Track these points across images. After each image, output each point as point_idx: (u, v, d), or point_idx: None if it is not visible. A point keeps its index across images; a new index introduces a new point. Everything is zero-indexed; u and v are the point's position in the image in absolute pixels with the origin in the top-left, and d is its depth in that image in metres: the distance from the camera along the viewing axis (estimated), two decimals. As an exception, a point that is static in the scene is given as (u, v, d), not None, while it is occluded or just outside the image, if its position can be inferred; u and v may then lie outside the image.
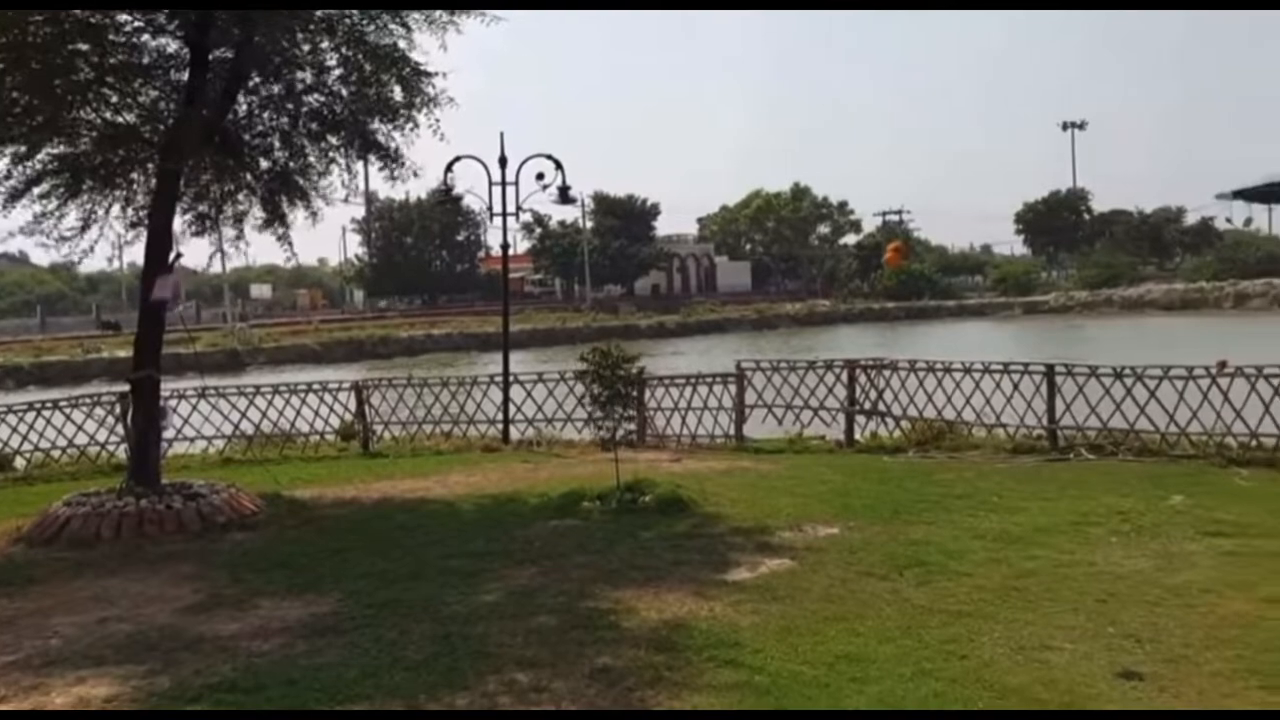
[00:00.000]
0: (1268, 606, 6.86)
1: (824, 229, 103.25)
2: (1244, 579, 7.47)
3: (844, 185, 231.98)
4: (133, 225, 12.79)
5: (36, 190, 12.05)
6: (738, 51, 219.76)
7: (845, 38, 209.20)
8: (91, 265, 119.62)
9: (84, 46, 11.03)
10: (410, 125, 12.42)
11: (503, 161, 17.23)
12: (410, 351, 52.23)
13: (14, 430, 16.13)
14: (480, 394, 17.25)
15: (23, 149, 11.68)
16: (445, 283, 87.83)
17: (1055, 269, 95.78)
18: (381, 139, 12.65)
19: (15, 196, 11.96)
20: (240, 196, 13.26)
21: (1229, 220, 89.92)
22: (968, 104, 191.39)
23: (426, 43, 12.03)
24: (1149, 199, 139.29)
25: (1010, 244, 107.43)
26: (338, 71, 12.37)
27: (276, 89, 12.57)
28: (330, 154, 12.83)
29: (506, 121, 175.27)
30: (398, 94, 12.28)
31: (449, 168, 16.82)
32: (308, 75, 12.39)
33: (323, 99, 12.49)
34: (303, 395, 17.01)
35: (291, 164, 12.92)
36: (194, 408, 16.73)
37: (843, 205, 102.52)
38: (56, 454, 16.09)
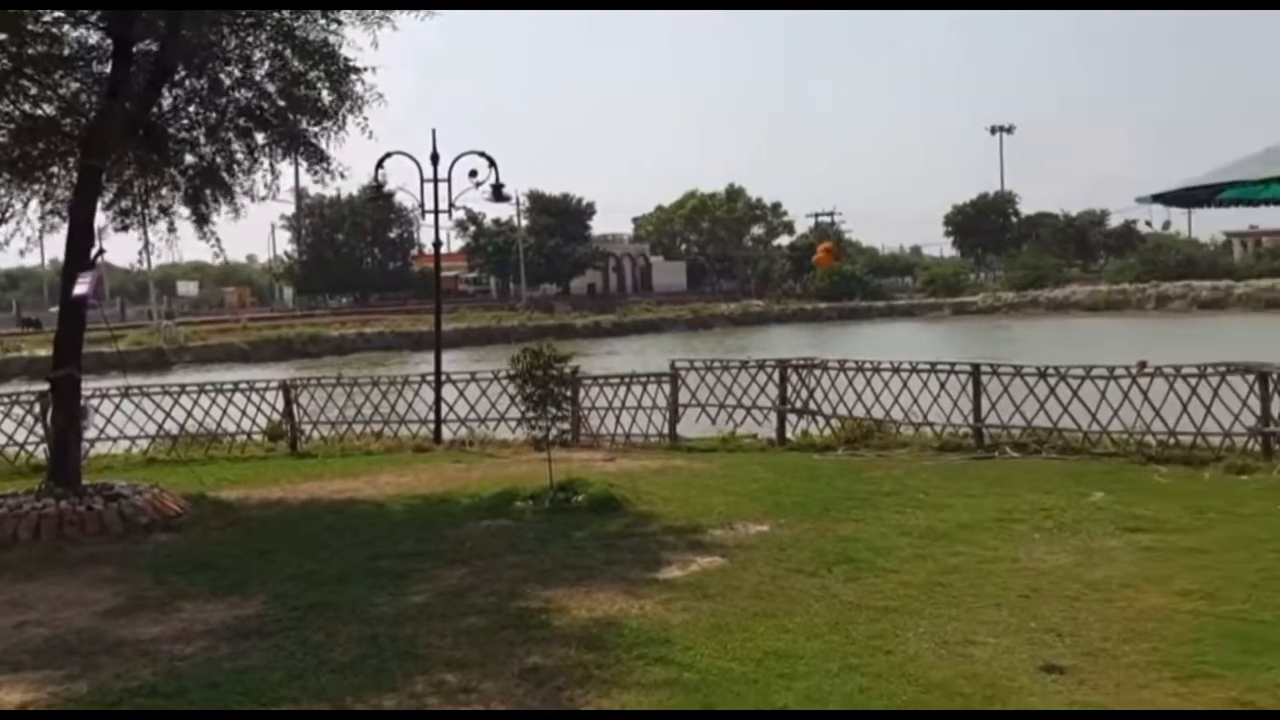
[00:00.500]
0: (1182, 600, 7.05)
1: (758, 230, 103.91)
2: (1160, 574, 7.67)
3: (777, 187, 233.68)
4: (50, 217, 12.50)
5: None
6: (673, 52, 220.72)
7: (776, 40, 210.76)
8: (11, 261, 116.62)
9: (1, 37, 10.75)
10: (338, 127, 12.28)
11: (435, 158, 17.12)
12: (341, 350, 51.70)
13: (-72, 431, 15.66)
14: (412, 393, 17.11)
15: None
16: (377, 281, 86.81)
17: (983, 270, 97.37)
18: (309, 138, 12.49)
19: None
20: (164, 192, 13.00)
21: (1149, 224, 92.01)
22: (899, 107, 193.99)
23: (359, 39, 11.92)
24: (1075, 202, 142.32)
25: (939, 246, 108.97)
26: (265, 67, 12.19)
27: (203, 83, 12.37)
28: (256, 152, 12.64)
29: (441, 120, 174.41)
30: (326, 95, 12.14)
31: (380, 164, 16.66)
32: (235, 70, 12.20)
33: (250, 95, 12.30)
34: (229, 394, 16.73)
35: (218, 160, 12.71)
36: (117, 407, 16.38)
37: (776, 206, 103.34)
38: (-28, 455, 15.65)
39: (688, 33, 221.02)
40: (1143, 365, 13.18)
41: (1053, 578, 7.67)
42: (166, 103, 12.31)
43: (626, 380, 16.37)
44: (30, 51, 11.04)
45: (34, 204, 12.43)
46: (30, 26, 10.94)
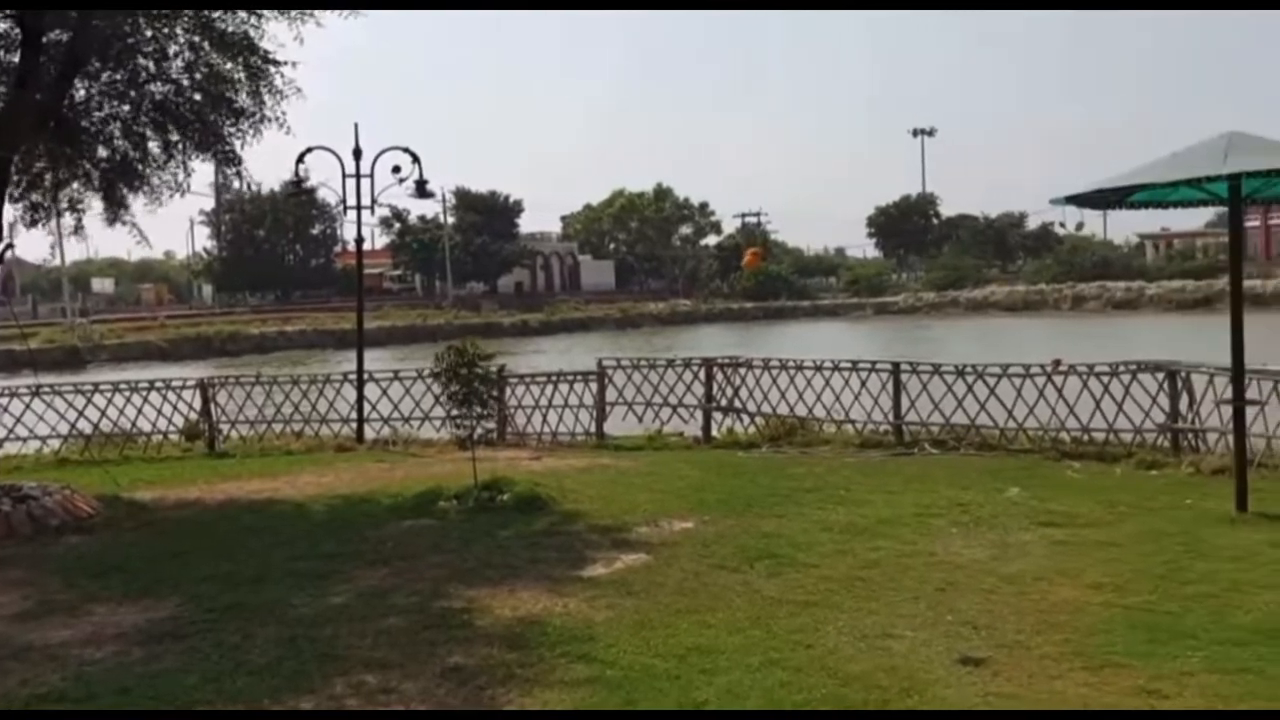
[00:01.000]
0: (1093, 592, 7.23)
1: (686, 230, 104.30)
2: (1072, 567, 7.85)
3: (705, 187, 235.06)
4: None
5: None
6: (602, 52, 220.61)
7: (708, 41, 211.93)
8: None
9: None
10: (254, 128, 12.07)
11: (357, 153, 16.91)
12: (261, 349, 50.89)
13: None
14: (334, 392, 16.90)
15: None
16: (299, 278, 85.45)
17: (905, 271, 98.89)
18: (224, 137, 12.26)
19: None
20: (77, 186, 12.68)
21: (1063, 225, 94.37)
22: (826, 109, 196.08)
23: (281, 33, 11.74)
24: (994, 205, 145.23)
25: (863, 247, 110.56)
26: (182, 60, 11.93)
27: (118, 75, 12.06)
28: (170, 148, 12.37)
29: (366, 117, 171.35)
30: (244, 93, 11.93)
31: (300, 159, 16.44)
32: (149, 64, 11.92)
33: (165, 89, 12.03)
34: (145, 393, 16.39)
35: (133, 154, 12.42)
36: (27, 406, 15.95)
37: (704, 206, 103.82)
38: (-128, 456, 15.10)
39: (620, 32, 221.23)
40: (1057, 364, 13.50)
41: (969, 571, 7.82)
42: (80, 95, 11.99)
43: (553, 379, 16.33)
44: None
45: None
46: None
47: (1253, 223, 75.47)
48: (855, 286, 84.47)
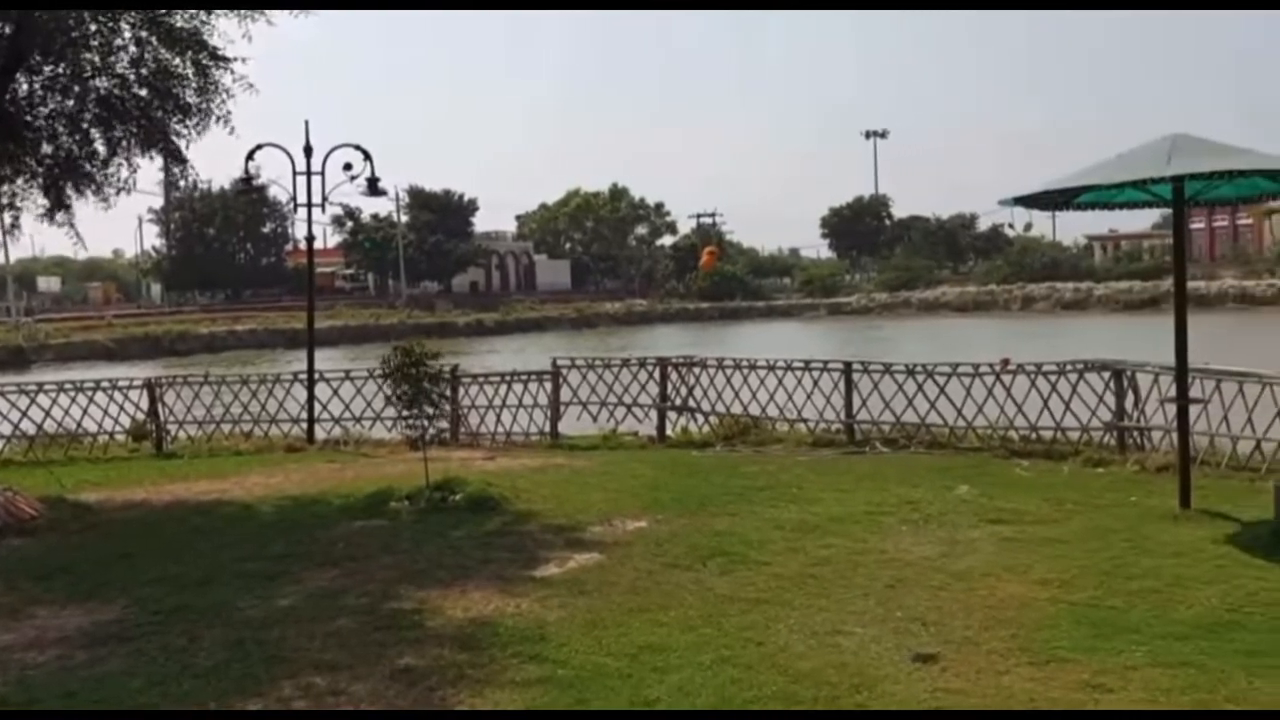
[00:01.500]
0: (1040, 588, 7.32)
1: (642, 229, 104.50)
2: (1020, 563, 7.95)
3: (661, 187, 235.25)
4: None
5: None
6: (558, 51, 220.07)
7: (646, 40, 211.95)
8: None
9: None
10: (201, 126, 11.93)
11: (308, 151, 16.77)
12: (211, 349, 50.40)
13: None
14: (284, 392, 16.74)
15: None
16: (250, 277, 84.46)
17: (858, 272, 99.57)
18: (170, 135, 12.09)
19: None
20: (20, 182, 12.44)
21: (1012, 226, 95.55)
22: (781, 110, 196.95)
23: (230, 30, 11.60)
24: (946, 206, 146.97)
25: (817, 248, 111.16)
26: (128, 55, 11.75)
27: (61, 70, 11.84)
28: (115, 145, 12.18)
29: (320, 116, 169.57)
30: (191, 90, 11.77)
31: (250, 156, 16.29)
32: (95, 58, 11.73)
33: (111, 84, 11.84)
34: (90, 393, 16.14)
35: (77, 151, 12.21)
36: (-32, 407, 15.63)
37: (659, 207, 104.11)
38: None
39: (574, 31, 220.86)
40: (1006, 363, 13.67)
41: (919, 568, 7.89)
42: (23, 89, 11.77)
43: (507, 378, 16.28)
44: None
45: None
46: None
47: (1198, 225, 76.92)
48: (809, 287, 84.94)
